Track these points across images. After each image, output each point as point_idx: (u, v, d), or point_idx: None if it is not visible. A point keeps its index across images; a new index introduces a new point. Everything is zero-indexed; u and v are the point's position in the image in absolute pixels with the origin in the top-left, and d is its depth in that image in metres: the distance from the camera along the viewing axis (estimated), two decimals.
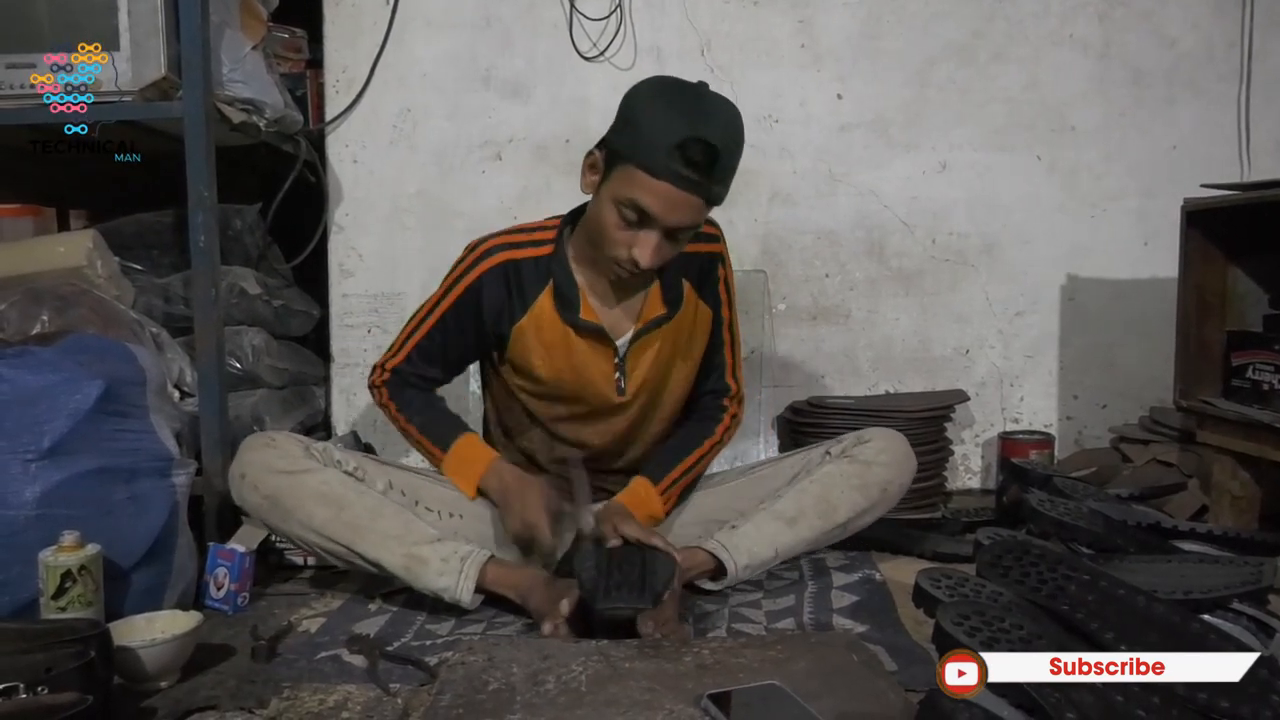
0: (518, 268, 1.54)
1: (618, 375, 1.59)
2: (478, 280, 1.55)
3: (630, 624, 1.31)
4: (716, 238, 1.64)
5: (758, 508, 1.59)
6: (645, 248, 1.40)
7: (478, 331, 1.59)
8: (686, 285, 1.60)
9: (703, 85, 1.42)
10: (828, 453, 1.67)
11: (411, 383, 1.65)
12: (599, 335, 1.56)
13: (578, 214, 1.57)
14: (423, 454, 1.65)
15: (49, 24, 1.67)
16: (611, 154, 1.41)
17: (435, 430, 1.61)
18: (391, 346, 1.65)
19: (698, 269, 1.61)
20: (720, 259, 1.64)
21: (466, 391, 2.23)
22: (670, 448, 1.65)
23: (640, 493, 1.56)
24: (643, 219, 1.39)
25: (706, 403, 1.69)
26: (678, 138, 1.32)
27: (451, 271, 1.59)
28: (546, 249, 1.56)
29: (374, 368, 1.66)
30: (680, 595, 1.44)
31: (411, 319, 1.64)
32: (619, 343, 1.58)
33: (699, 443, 1.64)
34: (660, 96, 1.39)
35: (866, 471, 1.60)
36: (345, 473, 1.53)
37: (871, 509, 1.62)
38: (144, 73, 1.66)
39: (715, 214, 2.27)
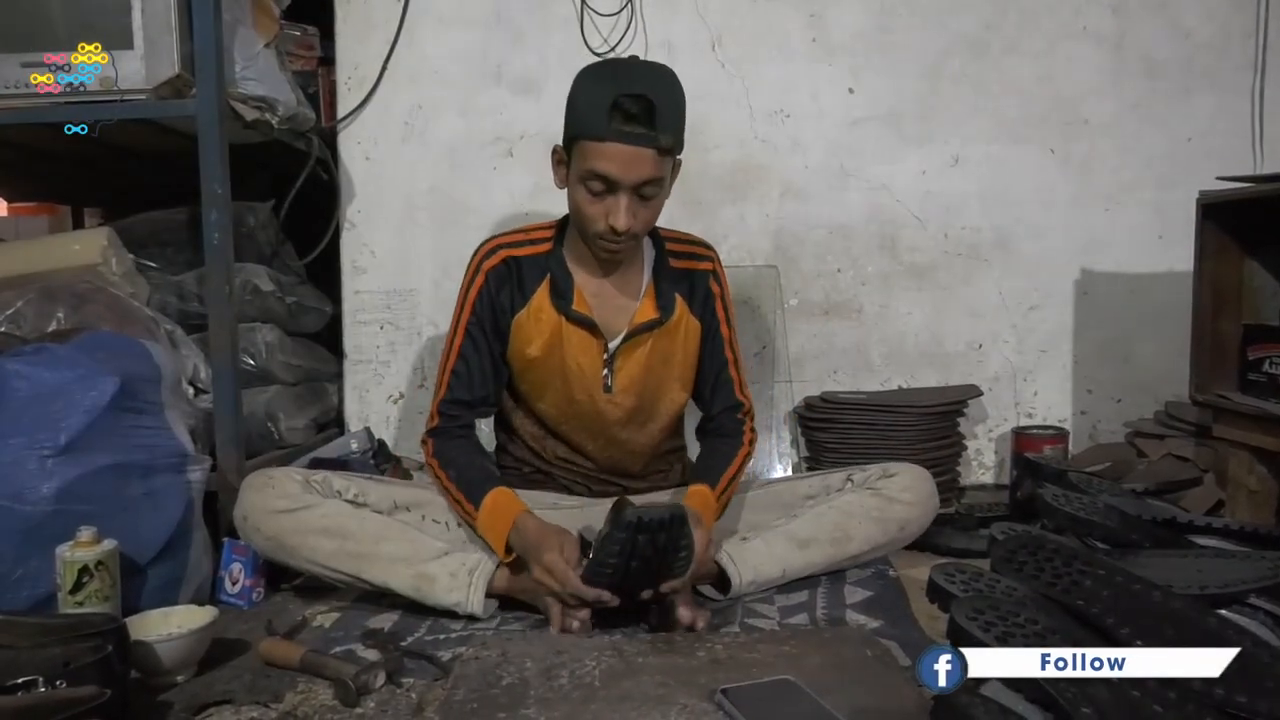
0: (518, 264, 1.60)
1: (605, 372, 1.61)
2: (486, 279, 1.59)
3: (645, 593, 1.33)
4: (709, 257, 1.69)
5: (771, 525, 1.60)
6: (617, 211, 1.46)
7: (497, 330, 1.60)
8: (678, 298, 1.63)
9: (632, 57, 1.48)
10: (850, 479, 1.67)
11: (457, 426, 1.60)
12: (590, 328, 1.59)
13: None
14: (460, 514, 1.57)
15: (62, 24, 1.68)
16: (566, 141, 1.50)
17: (468, 487, 1.53)
18: (434, 390, 1.63)
19: (689, 284, 1.66)
20: (712, 275, 1.68)
21: None
22: (710, 462, 1.63)
23: (706, 495, 1.54)
24: (607, 185, 1.45)
25: (724, 419, 1.69)
26: (609, 99, 1.41)
27: (462, 283, 1.62)
28: (544, 247, 1.62)
29: (427, 421, 1.62)
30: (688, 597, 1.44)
31: (441, 354, 1.63)
32: (611, 343, 1.60)
33: (733, 456, 1.62)
34: (588, 75, 1.50)
35: (888, 507, 1.61)
36: (347, 500, 1.54)
37: (887, 545, 1.63)
38: (158, 71, 1.67)
39: (723, 210, 2.32)
